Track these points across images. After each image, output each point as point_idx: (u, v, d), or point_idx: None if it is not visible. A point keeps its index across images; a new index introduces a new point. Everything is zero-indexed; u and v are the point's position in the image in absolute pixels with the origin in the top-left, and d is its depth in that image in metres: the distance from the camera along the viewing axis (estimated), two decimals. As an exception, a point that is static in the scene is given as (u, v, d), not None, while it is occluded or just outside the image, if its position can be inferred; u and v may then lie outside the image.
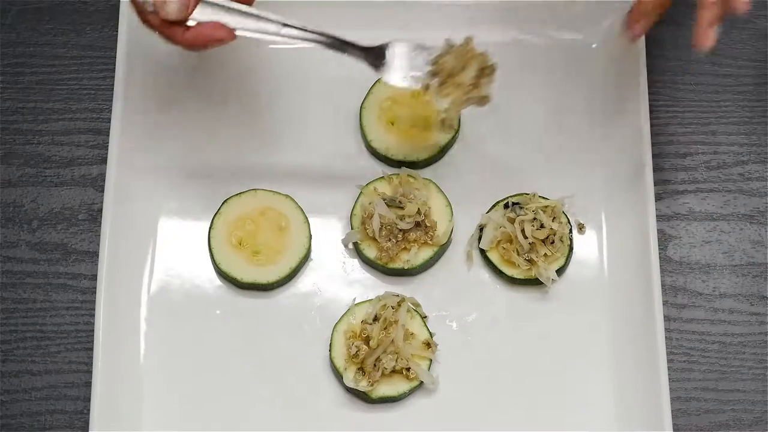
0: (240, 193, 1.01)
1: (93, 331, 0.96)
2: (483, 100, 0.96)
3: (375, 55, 0.94)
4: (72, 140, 1.04)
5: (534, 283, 0.99)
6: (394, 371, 0.96)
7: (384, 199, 0.99)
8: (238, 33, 0.90)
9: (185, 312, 0.99)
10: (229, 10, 0.90)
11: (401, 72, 0.95)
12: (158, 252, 1.01)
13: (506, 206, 1.00)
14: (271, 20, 0.91)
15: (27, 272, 1.00)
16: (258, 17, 0.91)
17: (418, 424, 0.96)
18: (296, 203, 1.01)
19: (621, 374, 0.97)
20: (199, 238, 1.01)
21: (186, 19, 0.88)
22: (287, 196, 1.01)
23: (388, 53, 0.95)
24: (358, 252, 1.01)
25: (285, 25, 0.92)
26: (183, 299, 0.99)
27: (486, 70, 0.96)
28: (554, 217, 0.99)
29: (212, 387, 0.97)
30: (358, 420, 0.96)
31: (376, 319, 0.96)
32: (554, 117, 1.05)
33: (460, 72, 0.95)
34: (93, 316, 0.96)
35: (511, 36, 1.06)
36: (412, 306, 0.98)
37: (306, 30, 0.92)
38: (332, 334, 0.97)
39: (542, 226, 0.98)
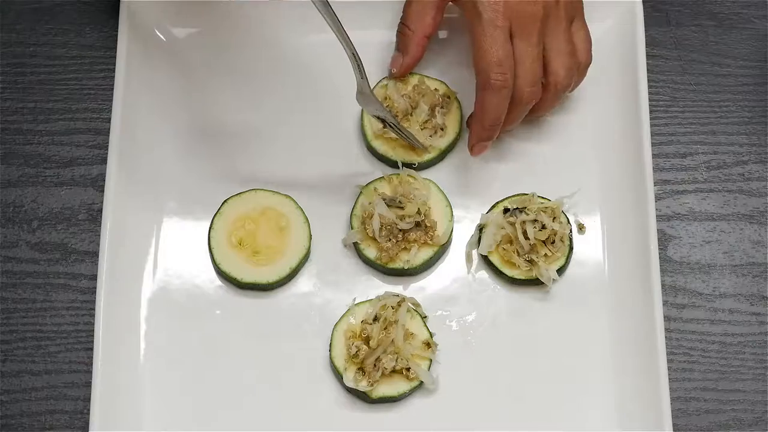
0: (240, 193, 1.01)
1: (93, 331, 0.96)
2: (439, 129, 1.02)
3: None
4: (72, 140, 1.04)
5: (534, 283, 0.99)
6: (394, 371, 0.96)
7: (384, 199, 0.99)
8: None
9: (185, 312, 0.99)
10: None
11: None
12: (158, 252, 1.01)
13: (506, 211, 1.00)
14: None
15: (27, 272, 1.00)
16: None
17: (418, 424, 0.96)
18: (296, 203, 1.01)
19: (621, 374, 0.97)
20: (199, 238, 1.01)
21: None
22: (287, 196, 1.01)
23: None
24: (358, 252, 1.01)
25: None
26: (183, 299, 0.99)
27: (438, 104, 1.02)
28: (554, 218, 0.99)
29: (212, 387, 0.97)
30: (358, 420, 0.96)
31: (376, 319, 0.96)
32: (554, 117, 1.05)
33: (414, 110, 1.02)
34: (93, 316, 0.96)
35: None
36: (412, 306, 0.98)
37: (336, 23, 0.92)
38: (332, 334, 0.97)
39: (543, 227, 0.98)
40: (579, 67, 0.99)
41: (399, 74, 1.02)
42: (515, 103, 0.96)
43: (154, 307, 0.99)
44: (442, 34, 1.06)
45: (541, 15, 0.94)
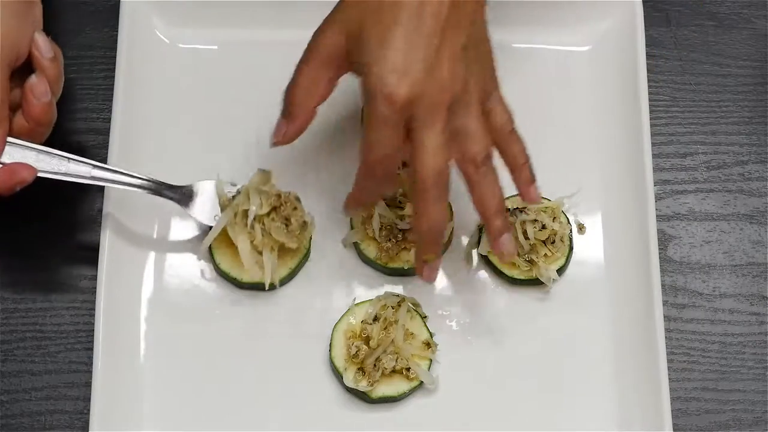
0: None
1: (93, 331, 0.96)
2: None
3: (183, 194, 0.98)
4: (72, 140, 1.04)
5: (534, 283, 0.99)
6: (394, 371, 0.96)
7: (384, 199, 0.99)
8: (48, 176, 0.93)
9: (185, 312, 0.99)
10: (36, 151, 0.93)
11: (208, 210, 0.98)
12: (158, 252, 1.01)
13: (506, 211, 1.00)
14: (82, 162, 0.94)
15: (27, 272, 1.00)
16: (68, 159, 0.94)
17: (418, 424, 0.96)
18: (296, 203, 1.01)
19: (621, 374, 0.97)
20: (199, 237, 1.00)
21: None
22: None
23: (196, 191, 0.98)
24: (358, 252, 1.00)
25: (95, 167, 0.94)
26: (183, 299, 0.99)
27: None
28: (554, 218, 0.99)
29: (212, 387, 0.97)
30: (358, 420, 0.96)
31: (376, 319, 0.96)
32: (554, 117, 1.05)
33: None
34: (93, 316, 0.96)
35: (509, 36, 1.06)
36: (412, 306, 0.98)
37: (117, 172, 0.95)
38: (332, 334, 0.97)
39: (544, 227, 0.98)
40: (503, 140, 0.92)
41: (282, 143, 0.95)
42: (417, 191, 0.89)
43: (154, 307, 0.99)
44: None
45: (446, 102, 0.86)
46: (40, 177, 0.92)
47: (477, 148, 0.89)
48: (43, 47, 0.93)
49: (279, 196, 0.97)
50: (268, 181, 0.98)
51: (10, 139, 0.92)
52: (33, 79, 0.92)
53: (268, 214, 0.97)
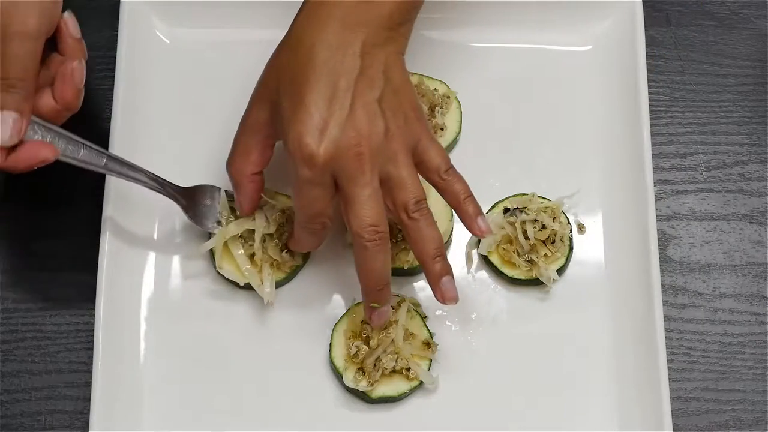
0: (240, 193, 1.01)
1: (93, 331, 0.96)
2: (438, 129, 1.02)
3: (188, 198, 0.98)
4: (72, 140, 1.04)
5: (534, 283, 0.99)
6: (394, 371, 0.96)
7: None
8: (62, 159, 0.90)
9: (185, 312, 0.99)
10: (54, 133, 0.90)
11: (209, 216, 0.98)
12: (158, 252, 1.01)
13: (506, 211, 1.00)
14: (97, 151, 0.93)
15: (27, 272, 1.00)
16: (86, 146, 0.92)
17: (418, 424, 0.96)
18: (296, 203, 1.01)
19: (621, 374, 0.97)
20: (199, 237, 1.01)
21: (15, 144, 0.88)
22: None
23: (201, 195, 0.98)
24: (358, 252, 1.00)
25: (110, 157, 0.93)
26: (183, 299, 0.99)
27: (438, 105, 1.02)
28: (554, 218, 0.99)
29: (212, 387, 0.97)
30: (358, 420, 0.96)
31: (376, 319, 0.96)
32: (554, 117, 1.05)
33: None
34: (93, 316, 0.96)
35: (509, 37, 1.06)
36: (412, 306, 0.98)
37: (130, 166, 0.94)
38: (332, 334, 0.97)
39: (544, 227, 0.98)
40: (440, 181, 0.92)
41: (244, 214, 0.96)
42: (355, 244, 0.90)
43: (154, 307, 0.99)
44: (441, 34, 1.06)
45: (368, 154, 0.87)
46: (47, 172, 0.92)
47: (406, 195, 0.89)
48: (72, 27, 0.91)
49: (283, 212, 0.98)
50: (272, 196, 0.98)
51: (32, 117, 0.89)
52: (75, 63, 0.89)
53: (271, 234, 0.98)
